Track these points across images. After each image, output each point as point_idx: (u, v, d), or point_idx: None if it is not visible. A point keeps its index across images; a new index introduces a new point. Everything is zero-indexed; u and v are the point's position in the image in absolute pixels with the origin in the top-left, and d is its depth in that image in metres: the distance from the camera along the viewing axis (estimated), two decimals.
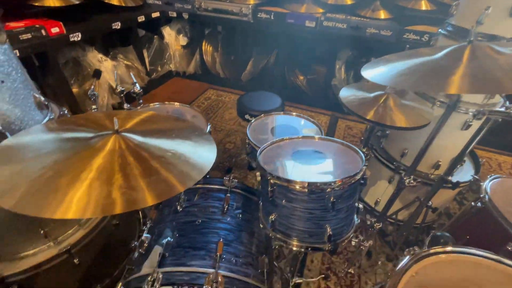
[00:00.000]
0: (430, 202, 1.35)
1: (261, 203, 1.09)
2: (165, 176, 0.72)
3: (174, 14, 3.03)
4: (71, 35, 2.19)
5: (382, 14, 2.47)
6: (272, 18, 2.64)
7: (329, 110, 2.99)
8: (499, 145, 2.58)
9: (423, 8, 2.37)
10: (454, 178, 1.31)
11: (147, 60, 3.15)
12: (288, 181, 0.83)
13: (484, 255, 0.58)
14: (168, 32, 3.19)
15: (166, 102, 1.55)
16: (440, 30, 1.30)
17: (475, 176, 1.46)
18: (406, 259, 0.49)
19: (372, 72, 0.77)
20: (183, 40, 3.27)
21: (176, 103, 1.55)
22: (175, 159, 0.80)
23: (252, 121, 1.48)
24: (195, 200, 1.14)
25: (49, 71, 2.23)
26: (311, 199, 0.83)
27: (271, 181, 0.86)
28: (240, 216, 1.13)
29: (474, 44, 0.73)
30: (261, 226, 1.07)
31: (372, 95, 1.16)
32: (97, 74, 1.24)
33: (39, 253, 1.08)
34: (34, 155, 0.71)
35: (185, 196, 1.15)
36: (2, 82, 0.81)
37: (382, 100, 1.12)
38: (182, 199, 1.13)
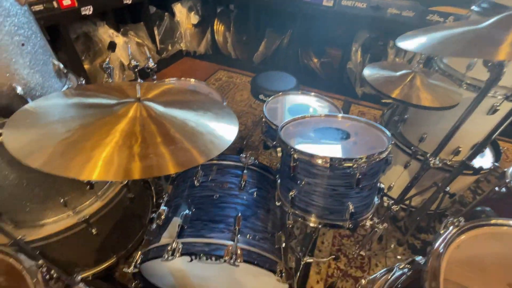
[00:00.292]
0: (448, 188, 1.32)
1: (279, 181, 1.08)
2: (187, 146, 0.71)
3: None
4: (83, 8, 2.14)
5: None
6: None
7: (342, 95, 2.93)
8: None
9: None
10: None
11: (157, 38, 3.08)
12: (312, 155, 0.82)
13: None
14: (179, 10, 3.10)
15: (182, 78, 1.52)
16: (473, 7, 1.22)
17: (496, 164, 1.42)
18: (450, 230, 0.48)
19: (411, 43, 0.73)
20: (194, 19, 3.19)
21: (191, 79, 1.52)
22: (197, 130, 0.78)
23: (269, 99, 1.45)
24: (212, 176, 1.14)
25: (60, 46, 2.20)
26: (335, 175, 0.81)
27: (295, 156, 0.84)
28: (256, 193, 1.12)
29: None
30: (278, 203, 1.07)
31: (398, 73, 1.11)
32: (112, 46, 1.21)
33: (59, 221, 1.10)
34: (59, 119, 0.70)
35: (202, 171, 1.15)
36: (23, 45, 0.79)
37: (408, 78, 1.07)
38: (199, 174, 1.12)
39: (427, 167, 1.01)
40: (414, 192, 1.57)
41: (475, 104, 0.97)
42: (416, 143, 1.57)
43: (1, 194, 0.95)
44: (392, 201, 1.14)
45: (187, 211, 1.00)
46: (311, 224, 0.95)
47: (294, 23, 2.81)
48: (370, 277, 0.73)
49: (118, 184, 1.26)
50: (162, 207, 1.07)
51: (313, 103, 1.48)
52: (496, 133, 1.09)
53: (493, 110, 1.24)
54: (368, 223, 1.09)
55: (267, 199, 1.15)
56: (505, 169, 1.17)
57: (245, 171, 1.16)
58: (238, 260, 0.84)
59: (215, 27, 3.20)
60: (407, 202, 1.62)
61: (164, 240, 0.94)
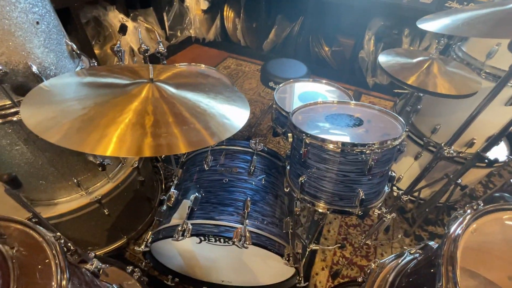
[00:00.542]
0: (459, 180, 1.30)
1: (288, 167, 1.07)
2: (198, 127, 0.71)
3: None
4: None
5: None
6: None
7: (353, 85, 2.87)
8: None
9: None
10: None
11: (166, 24, 3.05)
12: (323, 140, 0.81)
13: None
14: None
15: (192, 64, 1.51)
16: None
17: (511, 157, 1.38)
18: (467, 213, 0.47)
19: (433, 24, 0.70)
20: (204, 4, 3.13)
21: (202, 65, 1.51)
22: (208, 112, 0.78)
23: (279, 86, 1.43)
24: (221, 161, 1.14)
25: (71, 30, 2.20)
26: (347, 161, 0.81)
27: (306, 141, 0.83)
28: (265, 179, 1.13)
29: None
30: (286, 189, 1.07)
31: (414, 60, 1.08)
32: (123, 29, 1.20)
33: (73, 200, 1.13)
34: (74, 97, 0.71)
35: (212, 156, 1.15)
36: (37, 23, 0.79)
37: (425, 65, 1.04)
38: (209, 158, 1.13)
39: (441, 156, 0.99)
40: (423, 184, 1.55)
41: (493, 93, 0.94)
42: (429, 134, 1.54)
43: (18, 172, 0.97)
44: (402, 191, 1.13)
45: (196, 194, 1.01)
46: (320, 210, 0.95)
47: (305, 10, 2.74)
48: (380, 261, 0.73)
49: (128, 167, 1.28)
50: (172, 190, 1.09)
51: (324, 91, 1.45)
52: None
53: (511, 101, 1.20)
54: (376, 212, 1.09)
55: (276, 185, 1.15)
56: None
57: (254, 157, 1.16)
58: (247, 243, 0.85)
59: (224, 13, 3.15)
60: (415, 194, 1.60)
61: (174, 221, 0.96)
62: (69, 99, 0.70)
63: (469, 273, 0.55)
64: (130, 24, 2.51)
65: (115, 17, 2.44)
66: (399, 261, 0.66)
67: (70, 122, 0.62)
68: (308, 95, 1.44)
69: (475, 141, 1.39)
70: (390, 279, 0.62)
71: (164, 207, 1.07)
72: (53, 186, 1.07)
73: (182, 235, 0.86)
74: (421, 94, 1.47)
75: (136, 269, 0.97)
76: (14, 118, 0.82)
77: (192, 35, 3.34)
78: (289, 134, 0.92)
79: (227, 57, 3.30)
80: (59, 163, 1.01)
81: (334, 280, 1.40)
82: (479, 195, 1.87)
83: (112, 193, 1.21)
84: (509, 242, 0.49)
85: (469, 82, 1.04)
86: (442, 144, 1.02)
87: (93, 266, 0.76)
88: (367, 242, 1.55)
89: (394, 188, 1.31)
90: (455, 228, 0.45)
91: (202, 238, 0.92)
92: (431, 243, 0.57)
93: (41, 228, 0.57)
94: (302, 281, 1.05)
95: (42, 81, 0.82)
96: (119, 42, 1.26)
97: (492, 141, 1.13)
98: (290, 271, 1.09)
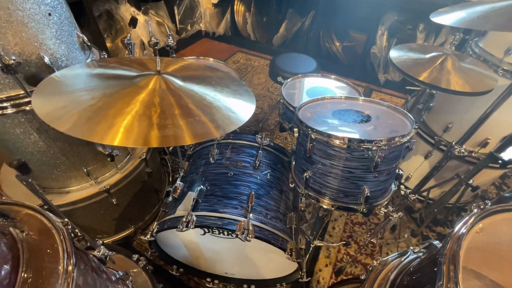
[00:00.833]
0: (471, 180, 1.26)
1: (293, 162, 1.07)
2: (204, 120, 0.71)
3: None
4: None
5: None
6: None
7: (363, 81, 2.81)
8: None
9: None
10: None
11: (177, 18, 3.06)
12: (330, 136, 0.80)
13: None
14: None
15: (201, 57, 1.51)
16: None
17: None
18: (473, 212, 0.46)
19: (447, 17, 0.68)
20: None
21: (210, 59, 1.51)
22: (214, 104, 0.78)
23: (288, 81, 1.42)
24: (227, 154, 1.15)
25: (84, 23, 2.24)
26: (353, 157, 0.79)
27: (312, 136, 0.82)
28: (270, 174, 1.12)
29: None
30: (291, 185, 1.07)
31: (427, 56, 1.04)
32: (134, 22, 1.21)
33: (83, 189, 1.17)
34: (84, 87, 0.72)
35: (218, 149, 1.16)
36: (50, 14, 0.81)
37: (439, 61, 1.00)
38: (214, 151, 1.14)
39: (451, 155, 0.97)
40: (433, 184, 1.52)
41: (510, 91, 0.90)
42: (440, 133, 1.50)
43: (31, 160, 1.01)
44: (409, 190, 1.11)
45: (202, 187, 1.02)
46: (325, 206, 0.94)
47: (317, 4, 2.69)
48: (383, 259, 0.72)
49: (136, 158, 1.30)
50: (178, 182, 1.11)
51: (332, 87, 1.43)
52: None
53: None
54: (383, 210, 1.07)
55: (281, 181, 1.15)
56: None
57: (260, 151, 1.16)
58: (250, 236, 0.85)
59: (235, 7, 3.13)
60: (424, 193, 1.57)
61: (179, 212, 0.98)
62: (79, 89, 0.72)
63: (474, 273, 0.53)
64: (141, 17, 2.53)
65: (126, 11, 2.46)
66: (402, 260, 0.65)
67: (79, 112, 0.63)
68: (317, 91, 1.42)
69: (489, 140, 1.34)
70: (392, 277, 0.61)
71: (170, 199, 1.08)
72: (64, 174, 1.10)
73: (186, 226, 0.88)
74: (434, 92, 1.43)
75: (141, 257, 1.00)
76: (27, 108, 0.85)
77: (202, 29, 3.34)
78: (295, 129, 0.91)
79: (237, 52, 3.28)
80: (69, 152, 1.04)
81: (338, 277, 1.40)
82: (492, 196, 1.81)
83: (121, 183, 1.24)
84: None
85: (484, 79, 1.00)
86: (453, 143, 0.99)
87: (100, 253, 0.78)
88: (372, 240, 1.53)
89: (402, 186, 1.28)
90: (459, 227, 0.44)
91: (206, 230, 0.93)
92: (436, 242, 0.55)
93: (50, 214, 0.59)
94: (305, 276, 1.05)
95: (54, 71, 0.84)
96: (129, 35, 1.27)
97: (507, 141, 1.09)
98: (293, 266, 1.10)
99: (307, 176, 0.91)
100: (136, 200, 1.38)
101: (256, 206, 0.97)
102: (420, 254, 0.62)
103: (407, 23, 2.46)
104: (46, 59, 0.82)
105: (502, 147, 1.10)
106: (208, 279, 1.28)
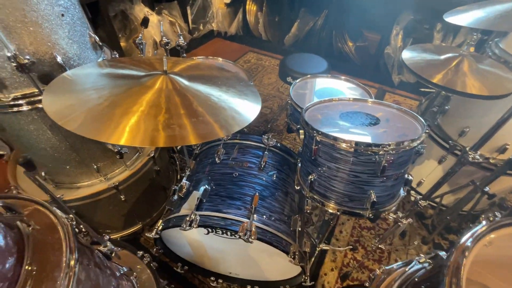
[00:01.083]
0: (487, 188, 1.20)
1: (299, 164, 1.05)
2: (208, 120, 0.71)
3: None
4: None
5: None
6: None
7: (377, 82, 2.74)
8: None
9: None
10: None
11: (189, 18, 3.10)
12: (335, 139, 0.78)
13: None
14: None
15: (210, 57, 1.52)
16: None
17: None
18: (482, 225, 0.43)
19: (463, 17, 0.65)
20: None
21: (219, 58, 1.51)
22: (219, 105, 0.78)
23: (296, 81, 1.40)
24: (233, 154, 1.15)
25: (100, 23, 2.31)
26: (359, 161, 0.77)
27: (317, 138, 0.81)
28: (276, 175, 1.12)
29: None
30: (297, 187, 1.06)
31: (442, 57, 1.00)
32: (145, 22, 1.23)
33: (93, 185, 1.20)
34: (92, 86, 0.74)
35: (224, 149, 1.16)
36: (63, 15, 0.84)
37: (454, 63, 0.96)
38: (220, 151, 1.14)
39: (464, 161, 0.92)
40: (446, 190, 1.46)
41: None
42: (456, 137, 1.44)
43: (45, 156, 1.05)
44: (420, 196, 1.07)
45: (206, 186, 1.02)
46: (330, 210, 0.92)
47: (330, 3, 2.65)
48: (386, 267, 0.70)
49: (145, 156, 1.33)
50: (184, 181, 1.12)
51: (343, 88, 1.40)
52: None
53: None
54: (392, 216, 1.04)
55: (287, 182, 1.14)
56: None
57: (266, 152, 1.15)
58: (252, 237, 0.85)
59: (247, 7, 3.13)
60: (437, 199, 1.51)
61: (183, 211, 0.98)
62: (87, 88, 0.74)
63: (480, 286, 0.50)
64: (154, 17, 2.58)
65: (140, 11, 2.51)
66: (406, 269, 0.63)
67: (86, 111, 0.64)
68: (326, 91, 1.40)
69: (508, 146, 1.28)
70: (395, 286, 0.59)
71: (175, 197, 1.10)
72: (75, 170, 1.14)
73: (190, 225, 0.88)
74: (450, 94, 1.38)
75: (146, 254, 1.01)
76: (40, 105, 0.88)
77: (214, 28, 3.36)
78: (301, 131, 0.90)
79: (248, 51, 3.28)
80: (80, 149, 1.07)
81: (343, 282, 1.37)
82: (510, 205, 1.72)
83: (129, 180, 1.27)
84: None
85: (504, 81, 0.95)
86: (467, 149, 0.94)
87: (106, 248, 0.80)
88: (380, 246, 1.49)
89: (412, 192, 1.24)
90: (465, 239, 0.41)
91: (210, 230, 0.93)
92: (442, 253, 0.53)
93: (57, 210, 0.61)
94: (308, 280, 1.03)
95: (66, 70, 0.86)
96: (140, 35, 1.29)
97: None
98: (297, 268, 1.08)
99: (312, 179, 0.90)
100: (144, 197, 1.40)
101: (259, 208, 0.97)
102: (426, 264, 0.60)
103: (424, 22, 2.38)
104: (59, 59, 0.85)
105: None
106: (212, 278, 1.28)
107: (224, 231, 0.91)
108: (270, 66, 3.03)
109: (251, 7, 3.14)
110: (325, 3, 2.70)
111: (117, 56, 1.17)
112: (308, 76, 1.44)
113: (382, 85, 2.72)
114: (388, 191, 0.84)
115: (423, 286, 0.51)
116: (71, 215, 0.61)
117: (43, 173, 1.13)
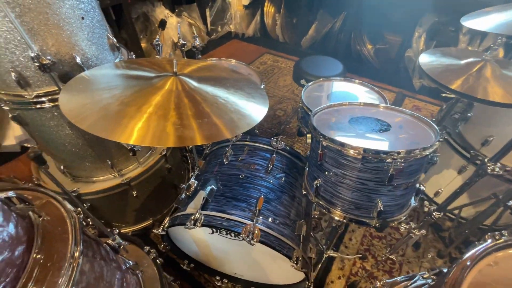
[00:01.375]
0: (510, 202, 1.12)
1: (307, 168, 1.04)
2: (215, 121, 0.72)
3: None
4: None
5: None
6: None
7: (396, 86, 2.65)
8: None
9: None
10: None
11: (208, 20, 3.16)
12: (342, 144, 0.76)
13: None
14: None
15: (223, 58, 1.54)
16: None
17: None
18: (486, 243, 0.40)
19: (482, 21, 0.61)
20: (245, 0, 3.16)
21: (232, 60, 1.53)
22: (225, 106, 0.79)
23: (309, 84, 1.38)
24: (241, 156, 1.16)
25: (123, 25, 2.41)
26: (366, 168, 0.75)
27: (323, 143, 0.79)
28: (284, 178, 1.11)
29: None
30: (304, 192, 1.04)
31: (462, 62, 0.95)
32: (163, 24, 1.26)
33: (107, 180, 1.25)
34: (106, 87, 0.78)
35: (233, 150, 1.17)
36: (83, 18, 0.88)
37: (476, 68, 0.91)
38: (229, 152, 1.15)
39: (482, 173, 0.87)
40: (466, 201, 1.38)
41: None
42: (478, 146, 1.35)
43: (64, 151, 1.11)
44: (434, 207, 1.02)
45: (213, 186, 1.04)
46: (336, 218, 0.90)
47: (349, 5, 2.59)
48: (388, 280, 0.67)
49: (157, 154, 1.37)
50: (192, 180, 1.14)
51: (357, 91, 1.37)
52: None
53: None
54: (403, 226, 1.00)
55: (294, 186, 1.13)
56: None
57: (274, 155, 1.14)
58: (255, 240, 0.85)
59: (265, 9, 3.14)
60: (455, 211, 1.43)
61: (189, 209, 1.00)
62: (101, 88, 0.77)
63: None
64: (174, 19, 2.65)
65: (161, 13, 2.60)
66: (409, 284, 0.60)
67: (98, 110, 0.68)
68: (339, 95, 1.37)
69: None
70: None
71: (183, 195, 1.12)
72: (91, 165, 1.19)
73: (194, 224, 0.90)
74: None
75: (152, 250, 1.04)
76: None
77: (232, 30, 3.40)
78: (308, 135, 0.89)
79: (265, 53, 3.29)
80: (96, 145, 1.12)
81: None
82: None
83: (141, 177, 1.31)
84: None
85: None
86: (486, 160, 0.89)
87: (114, 242, 0.83)
88: (391, 257, 1.43)
89: (426, 202, 1.18)
90: (465, 258, 0.39)
91: (214, 230, 0.94)
92: (446, 270, 0.50)
93: (67, 203, 0.65)
94: (312, 287, 1.01)
95: (84, 70, 0.91)
96: (158, 37, 1.34)
97: None
98: (301, 274, 1.07)
99: (318, 184, 0.88)
100: (155, 194, 1.45)
101: (264, 210, 0.97)
102: (429, 280, 0.57)
103: (449, 24, 2.27)
104: (78, 59, 0.90)
105: None
106: (218, 277, 1.30)
107: (228, 232, 0.92)
108: (286, 68, 3.02)
109: (269, 9, 3.15)
110: (344, 5, 2.65)
111: (133, 57, 1.22)
112: (320, 79, 1.42)
113: (402, 89, 2.62)
114: (396, 200, 0.81)
115: None
116: (79, 208, 0.64)
117: (62, 167, 1.20)
